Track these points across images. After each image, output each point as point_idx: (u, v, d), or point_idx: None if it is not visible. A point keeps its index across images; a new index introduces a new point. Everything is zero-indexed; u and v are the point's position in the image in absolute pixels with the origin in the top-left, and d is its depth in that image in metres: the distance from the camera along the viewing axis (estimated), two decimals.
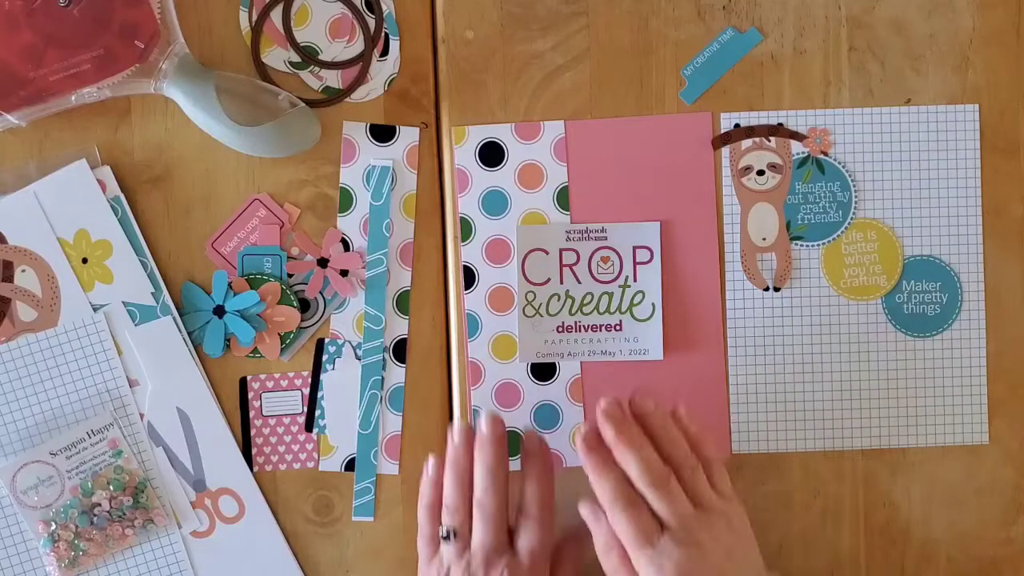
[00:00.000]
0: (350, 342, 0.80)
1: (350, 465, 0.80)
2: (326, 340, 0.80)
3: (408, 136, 0.80)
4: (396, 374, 0.80)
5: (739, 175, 0.80)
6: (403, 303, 0.80)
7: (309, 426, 0.80)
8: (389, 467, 0.80)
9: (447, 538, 0.73)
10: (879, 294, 0.80)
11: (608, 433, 0.70)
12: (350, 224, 0.80)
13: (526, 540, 0.73)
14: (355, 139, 0.80)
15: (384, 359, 0.80)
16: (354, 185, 0.80)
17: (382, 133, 0.80)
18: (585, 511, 0.71)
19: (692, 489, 0.70)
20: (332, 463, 0.80)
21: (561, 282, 0.80)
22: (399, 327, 0.80)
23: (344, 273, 0.80)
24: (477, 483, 0.73)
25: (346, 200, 0.80)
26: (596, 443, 0.71)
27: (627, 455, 0.69)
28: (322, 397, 0.80)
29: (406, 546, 0.80)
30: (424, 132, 0.80)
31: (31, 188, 0.78)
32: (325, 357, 0.80)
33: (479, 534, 0.72)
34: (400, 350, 0.80)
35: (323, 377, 0.80)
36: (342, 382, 0.80)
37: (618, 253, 0.80)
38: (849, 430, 0.81)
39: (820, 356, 0.80)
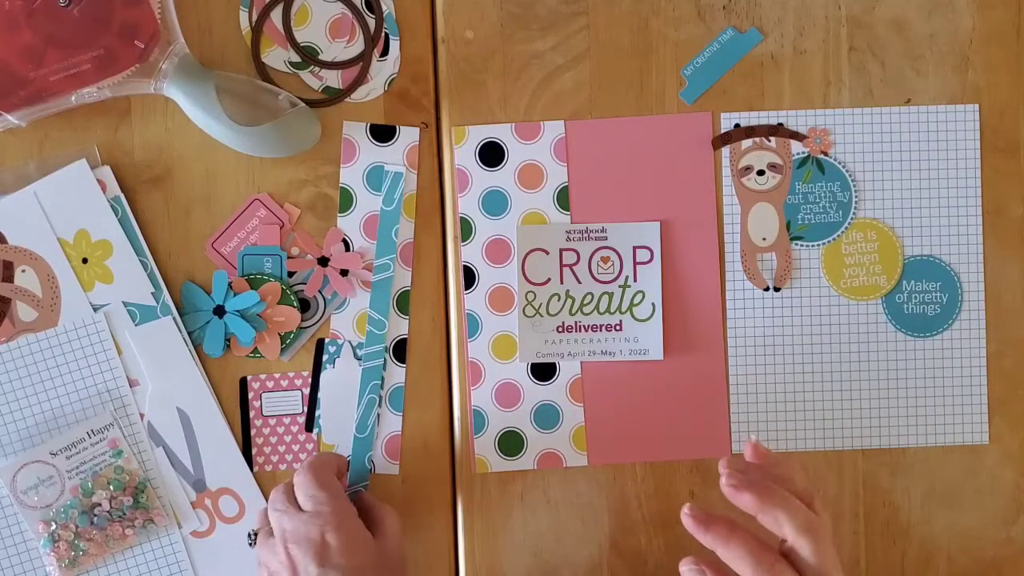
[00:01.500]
0: (350, 342, 0.80)
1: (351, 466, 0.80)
2: (326, 340, 0.80)
3: (408, 136, 0.80)
4: (396, 374, 0.80)
5: (739, 175, 0.80)
6: (403, 303, 0.80)
7: (309, 426, 0.80)
8: (389, 467, 0.80)
9: (250, 539, 0.77)
10: (879, 294, 0.80)
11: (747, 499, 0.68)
12: (350, 224, 0.80)
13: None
14: (355, 139, 0.80)
15: (384, 360, 0.80)
16: (354, 185, 0.80)
17: (382, 133, 0.80)
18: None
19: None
20: None
21: (561, 282, 0.80)
22: (399, 327, 0.80)
23: (344, 273, 0.80)
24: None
25: (346, 200, 0.80)
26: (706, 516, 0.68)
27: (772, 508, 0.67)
28: (320, 397, 0.80)
29: (405, 546, 0.80)
30: (424, 132, 0.80)
31: (31, 188, 0.78)
32: (325, 357, 0.80)
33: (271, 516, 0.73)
34: (400, 350, 0.80)
35: (322, 376, 0.80)
36: (341, 382, 0.80)
37: (618, 253, 0.80)
38: (849, 430, 0.81)
39: (820, 356, 0.80)
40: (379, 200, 0.80)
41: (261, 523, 0.74)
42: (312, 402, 0.80)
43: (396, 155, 0.80)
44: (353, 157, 0.80)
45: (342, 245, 0.80)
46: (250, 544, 0.78)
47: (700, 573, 0.67)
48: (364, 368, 0.79)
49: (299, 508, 0.71)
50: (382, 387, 0.80)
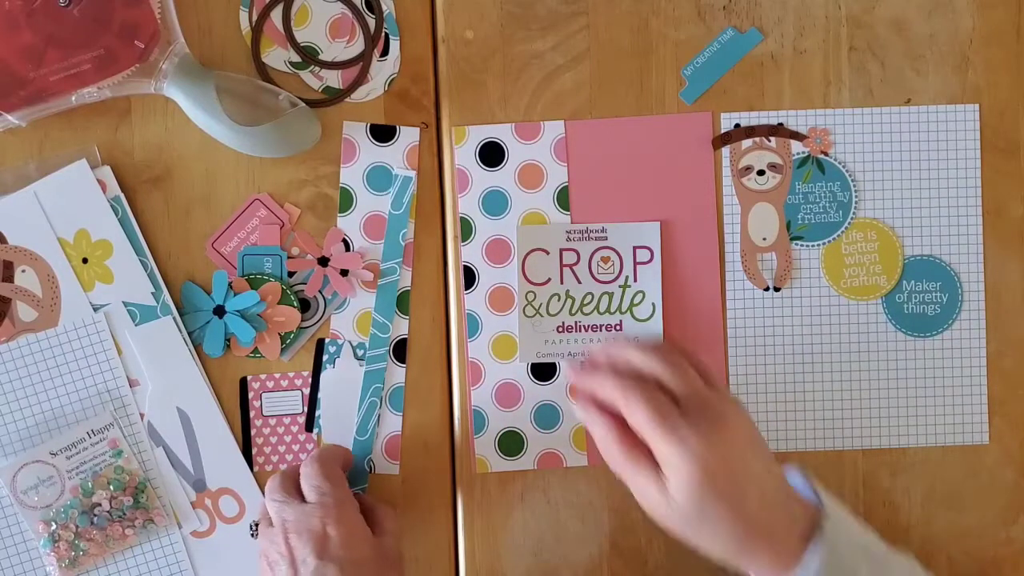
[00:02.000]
0: (350, 342, 0.80)
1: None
2: (326, 340, 0.80)
3: (408, 136, 0.80)
4: (396, 374, 0.80)
5: (739, 175, 0.80)
6: (403, 303, 0.80)
7: (309, 426, 0.80)
8: (389, 467, 0.80)
9: (252, 530, 0.78)
10: (879, 294, 0.80)
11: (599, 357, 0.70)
12: (350, 224, 0.80)
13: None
14: (355, 139, 0.80)
15: (386, 363, 0.80)
16: (354, 185, 0.80)
17: (382, 133, 0.80)
18: (580, 409, 0.69)
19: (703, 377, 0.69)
20: None
21: (561, 282, 0.80)
22: (399, 327, 0.80)
23: (344, 273, 0.80)
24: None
25: (346, 200, 0.80)
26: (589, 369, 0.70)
27: (628, 350, 0.69)
28: (320, 397, 0.80)
29: (405, 546, 0.80)
30: (424, 132, 0.80)
31: (31, 188, 0.78)
32: (325, 357, 0.80)
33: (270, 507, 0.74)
34: (400, 350, 0.80)
35: (322, 376, 0.80)
36: (341, 382, 0.80)
37: (618, 253, 0.80)
38: (849, 430, 0.81)
39: (820, 356, 0.80)
40: (379, 200, 0.80)
41: (262, 514, 0.75)
42: (312, 402, 0.80)
43: (396, 155, 0.80)
44: (353, 157, 0.80)
45: (342, 245, 0.80)
46: (252, 535, 0.78)
47: (586, 404, 0.68)
48: (367, 371, 0.79)
49: (301, 498, 0.71)
50: (383, 390, 0.80)
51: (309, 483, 0.72)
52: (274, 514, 0.71)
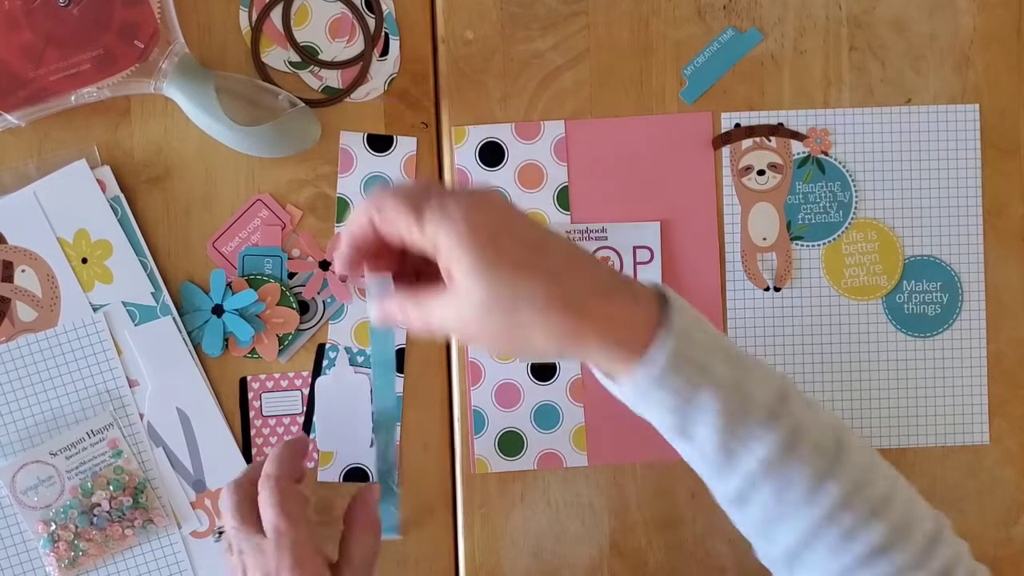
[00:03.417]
0: (347, 349, 0.80)
1: (349, 475, 0.80)
2: (327, 345, 0.80)
3: (406, 146, 0.80)
4: (395, 383, 0.80)
5: (739, 175, 0.80)
6: None
7: (307, 430, 0.80)
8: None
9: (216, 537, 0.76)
10: (879, 294, 0.80)
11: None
12: None
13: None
14: (352, 149, 0.80)
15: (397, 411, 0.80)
16: (352, 195, 0.80)
17: (379, 143, 0.80)
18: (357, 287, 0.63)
19: None
20: (331, 472, 0.80)
21: None
22: (397, 337, 0.80)
23: (343, 279, 0.80)
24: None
25: (343, 210, 0.80)
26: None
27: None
28: (316, 404, 0.80)
29: (406, 545, 0.80)
30: (424, 132, 0.80)
31: (31, 188, 0.78)
32: (326, 362, 0.80)
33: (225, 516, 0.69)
34: (398, 360, 0.80)
35: (317, 383, 0.80)
36: (337, 389, 0.80)
37: (618, 253, 0.80)
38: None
39: (820, 356, 0.80)
40: None
41: (223, 525, 0.71)
42: (311, 405, 0.80)
43: (393, 165, 0.80)
44: (350, 167, 0.80)
45: None
46: (215, 541, 0.78)
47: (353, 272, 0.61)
48: (377, 419, 0.78)
49: (257, 526, 0.67)
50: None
51: (266, 519, 0.67)
52: (232, 539, 0.68)
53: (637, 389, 0.57)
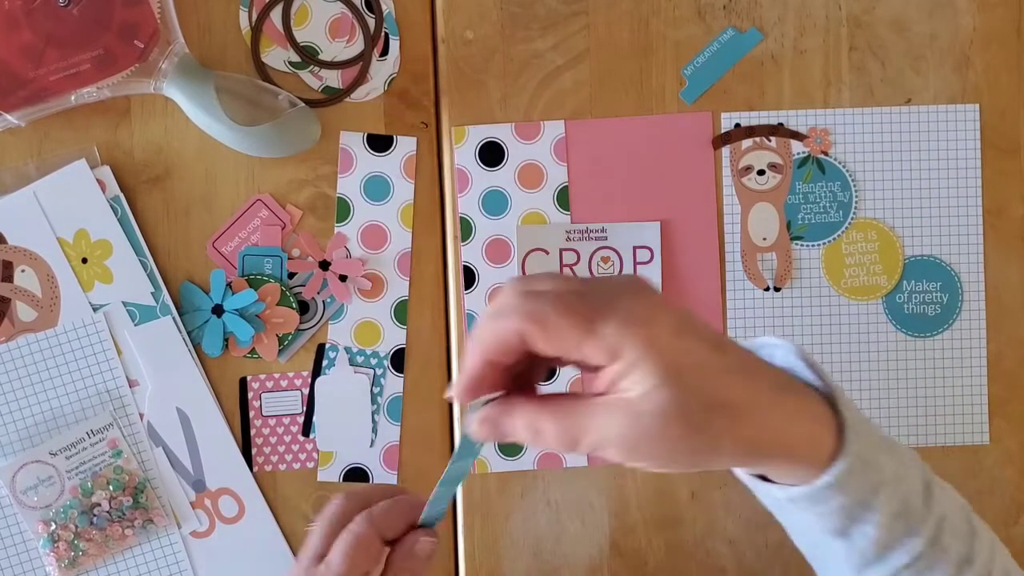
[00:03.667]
0: (347, 349, 0.80)
1: (349, 475, 0.80)
2: (327, 345, 0.80)
3: (405, 146, 0.80)
4: (394, 384, 0.80)
5: (739, 175, 0.80)
6: (400, 313, 0.80)
7: (306, 431, 0.80)
8: (387, 477, 0.80)
9: None
10: (879, 294, 0.80)
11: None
12: (347, 234, 0.80)
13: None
14: (352, 149, 0.80)
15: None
16: (351, 195, 0.80)
17: (379, 143, 0.80)
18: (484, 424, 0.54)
19: None
20: (331, 472, 0.80)
21: None
22: (397, 337, 0.80)
23: (343, 279, 0.80)
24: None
25: (344, 210, 0.80)
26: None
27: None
28: (316, 404, 0.80)
29: None
30: (424, 132, 0.80)
31: (31, 188, 0.78)
32: (325, 362, 0.80)
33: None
34: (398, 360, 0.80)
35: (317, 383, 0.80)
36: (337, 390, 0.80)
37: (618, 253, 0.80)
38: None
39: (820, 356, 0.80)
40: (377, 210, 0.80)
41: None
42: (310, 406, 0.80)
43: (393, 165, 0.80)
44: (350, 167, 0.80)
45: (344, 251, 0.80)
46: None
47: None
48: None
49: (325, 552, 0.62)
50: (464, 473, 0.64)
51: (333, 553, 0.62)
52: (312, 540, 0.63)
53: (813, 494, 0.53)
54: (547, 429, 0.51)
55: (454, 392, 0.53)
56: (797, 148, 0.80)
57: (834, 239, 0.80)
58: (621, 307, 0.49)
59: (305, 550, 0.64)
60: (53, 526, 0.77)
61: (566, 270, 0.80)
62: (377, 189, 0.80)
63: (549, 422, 0.51)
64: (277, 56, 0.80)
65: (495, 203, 0.80)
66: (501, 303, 0.51)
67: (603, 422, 0.50)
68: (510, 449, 0.80)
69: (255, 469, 0.79)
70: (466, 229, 0.80)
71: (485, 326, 0.51)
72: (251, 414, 0.79)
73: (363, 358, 0.80)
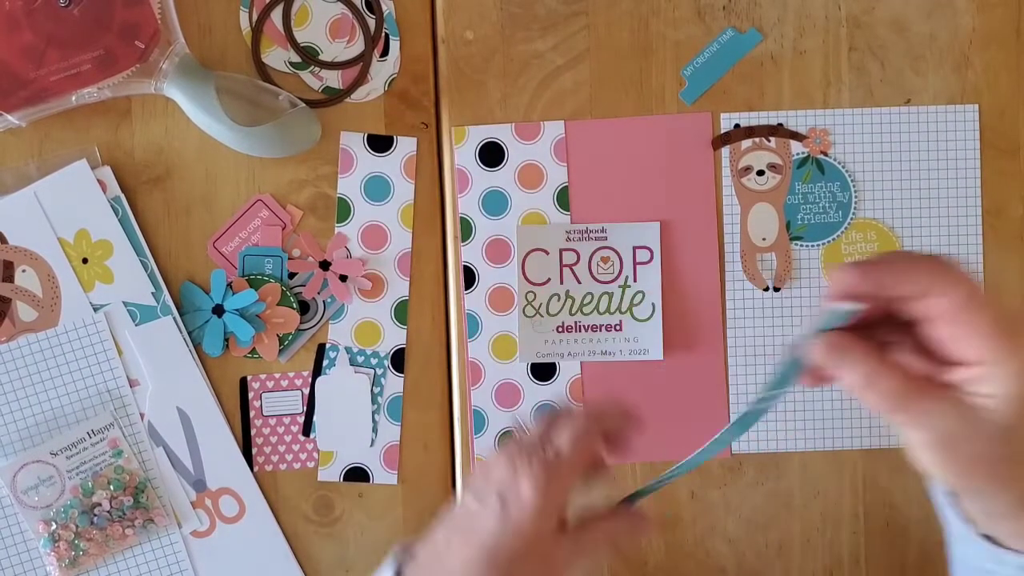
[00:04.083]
0: (347, 349, 0.80)
1: (349, 475, 0.80)
2: (327, 345, 0.80)
3: (406, 146, 0.80)
4: (394, 384, 0.80)
5: (739, 175, 0.80)
6: (401, 313, 0.80)
7: (307, 431, 0.80)
8: (387, 477, 0.80)
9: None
10: None
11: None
12: (348, 234, 0.80)
13: (562, 433, 0.60)
14: (352, 149, 0.80)
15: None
16: (352, 195, 0.80)
17: (380, 143, 0.80)
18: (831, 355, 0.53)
19: None
20: (331, 472, 0.80)
21: (561, 282, 0.80)
22: (397, 337, 0.80)
23: (343, 279, 0.80)
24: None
25: (344, 210, 0.80)
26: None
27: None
28: (316, 404, 0.80)
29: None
30: (424, 132, 0.80)
31: (31, 188, 0.78)
32: (326, 362, 0.80)
33: (537, 430, 0.61)
34: (398, 360, 0.80)
35: (317, 382, 0.80)
36: (337, 388, 0.80)
37: (618, 253, 0.80)
38: (849, 430, 0.81)
39: None
40: (377, 211, 0.80)
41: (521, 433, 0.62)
42: (311, 406, 0.80)
43: (394, 165, 0.80)
44: (351, 167, 0.80)
45: (345, 251, 0.80)
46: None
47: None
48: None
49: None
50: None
51: (561, 436, 0.59)
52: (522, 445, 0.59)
53: None
54: (882, 387, 0.52)
55: (842, 275, 0.51)
56: (796, 148, 0.80)
57: (834, 239, 0.80)
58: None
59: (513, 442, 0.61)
60: (54, 526, 0.77)
61: (566, 270, 0.80)
62: (377, 189, 0.80)
63: (888, 381, 0.51)
64: (277, 56, 0.80)
65: (495, 203, 0.80)
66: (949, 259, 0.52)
67: (938, 410, 0.51)
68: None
69: (255, 469, 0.79)
70: (466, 229, 0.80)
71: (906, 259, 0.51)
72: (251, 414, 0.80)
73: (363, 358, 0.80)
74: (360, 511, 0.80)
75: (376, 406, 0.80)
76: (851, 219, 0.80)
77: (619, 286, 0.80)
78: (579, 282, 0.80)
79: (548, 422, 0.61)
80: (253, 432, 0.80)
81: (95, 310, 0.78)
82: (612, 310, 0.80)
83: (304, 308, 0.80)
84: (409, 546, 0.62)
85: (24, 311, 0.78)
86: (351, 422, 0.80)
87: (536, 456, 0.58)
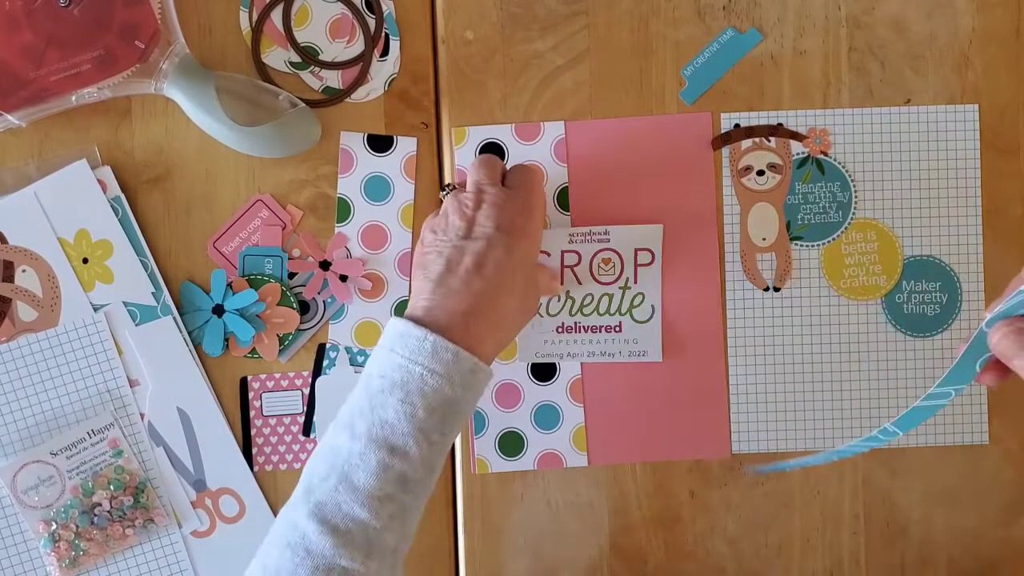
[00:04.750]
0: (347, 349, 0.80)
1: None
2: (327, 345, 0.80)
3: (406, 146, 0.80)
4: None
5: (739, 175, 0.80)
6: (401, 313, 0.80)
7: (307, 431, 0.80)
8: None
9: (445, 190, 0.74)
10: (879, 294, 0.81)
11: None
12: (348, 234, 0.80)
13: (513, 176, 0.72)
14: (352, 149, 0.80)
15: None
16: (352, 195, 0.80)
17: (380, 143, 0.80)
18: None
19: None
20: None
21: (561, 283, 0.80)
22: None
23: (343, 279, 0.80)
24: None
25: (344, 210, 0.80)
26: None
27: None
28: (317, 403, 0.80)
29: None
30: (424, 132, 0.80)
31: (32, 188, 0.78)
32: (326, 362, 0.80)
33: (473, 175, 0.72)
34: None
35: (317, 382, 0.80)
36: (337, 390, 0.80)
37: (620, 255, 0.80)
38: (849, 430, 0.81)
39: (820, 356, 0.80)
40: (377, 210, 0.80)
41: (459, 179, 0.74)
42: (311, 406, 0.80)
43: (394, 165, 0.80)
44: (351, 167, 0.80)
45: (345, 251, 0.80)
46: (443, 194, 0.74)
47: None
48: None
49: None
50: None
51: (515, 178, 0.71)
52: (478, 184, 0.71)
53: None
54: None
55: None
56: (796, 148, 0.80)
57: (833, 239, 0.80)
58: None
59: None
60: (54, 526, 0.77)
61: (567, 271, 0.80)
62: (377, 189, 0.80)
63: None
64: (277, 56, 0.80)
65: None
66: None
67: None
68: (510, 449, 0.80)
69: (256, 469, 0.80)
70: None
71: None
72: (252, 414, 0.80)
73: (364, 358, 0.80)
74: None
75: None
76: (851, 219, 0.80)
77: (619, 287, 0.80)
78: (580, 283, 0.80)
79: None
80: (253, 432, 0.80)
81: (95, 310, 0.78)
82: (612, 311, 0.80)
83: (304, 308, 0.80)
84: (417, 320, 0.67)
85: (24, 311, 0.78)
86: None
87: (476, 196, 0.70)
